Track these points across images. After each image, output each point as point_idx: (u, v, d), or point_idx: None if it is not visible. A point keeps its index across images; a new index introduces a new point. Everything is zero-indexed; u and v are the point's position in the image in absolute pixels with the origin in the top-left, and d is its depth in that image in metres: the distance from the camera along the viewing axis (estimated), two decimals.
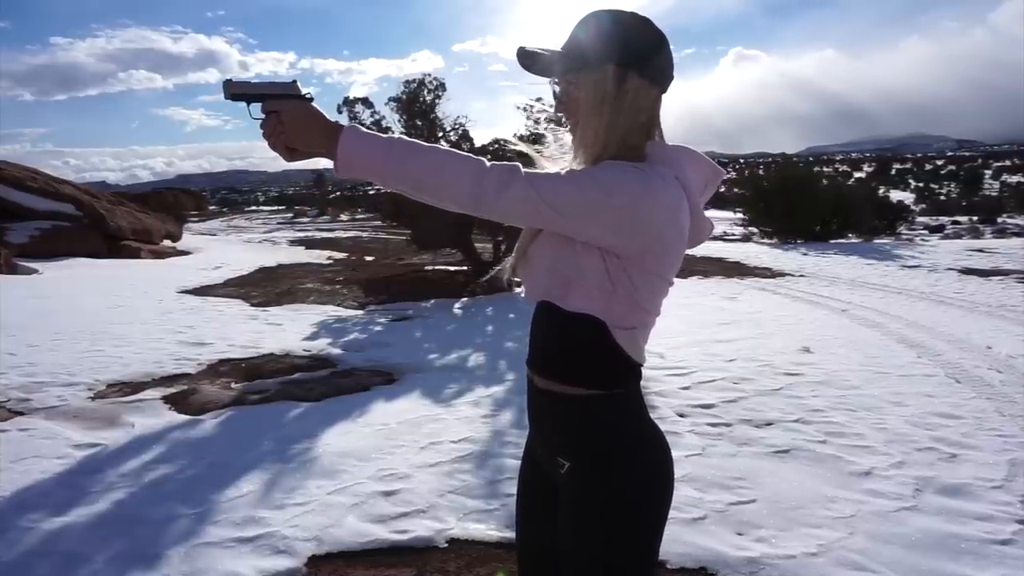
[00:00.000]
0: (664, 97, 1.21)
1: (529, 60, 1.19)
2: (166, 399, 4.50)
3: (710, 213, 1.27)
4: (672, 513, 1.28)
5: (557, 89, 1.23)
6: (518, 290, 8.99)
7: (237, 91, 1.19)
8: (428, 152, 1.11)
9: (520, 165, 1.13)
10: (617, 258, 1.12)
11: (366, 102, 9.86)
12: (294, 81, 1.19)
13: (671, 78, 1.20)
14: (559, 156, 1.30)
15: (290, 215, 36.57)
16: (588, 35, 1.16)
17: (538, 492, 1.37)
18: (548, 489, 1.32)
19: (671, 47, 1.19)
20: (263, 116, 1.17)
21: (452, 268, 11.17)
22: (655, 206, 1.09)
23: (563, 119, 1.26)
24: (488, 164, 1.11)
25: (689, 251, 1.25)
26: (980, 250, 13.36)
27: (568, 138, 1.28)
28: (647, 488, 1.20)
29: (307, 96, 1.18)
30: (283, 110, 1.15)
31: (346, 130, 1.12)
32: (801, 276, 10.39)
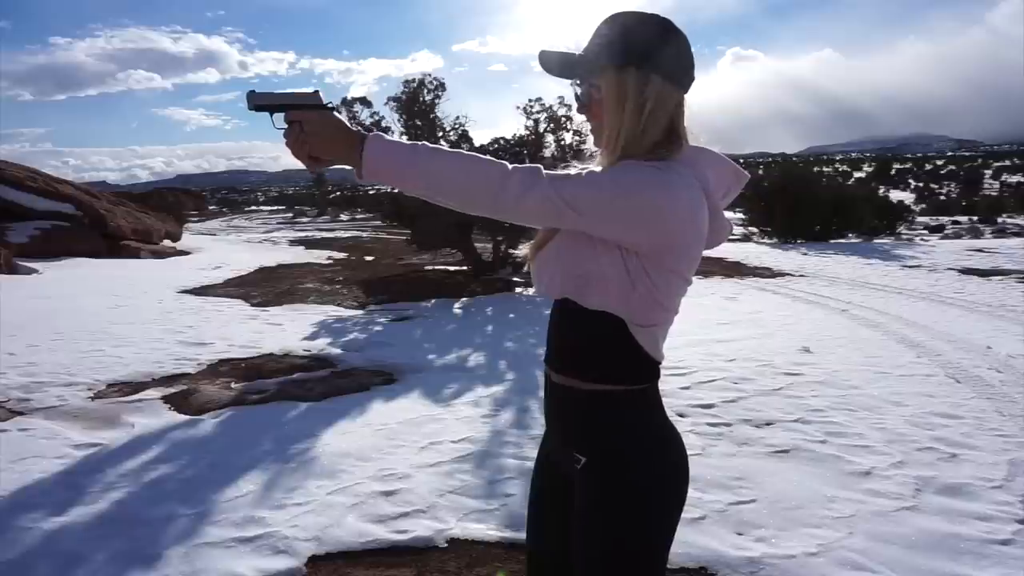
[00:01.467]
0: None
1: (550, 62, 1.21)
2: (166, 399, 4.50)
3: None
4: None
5: (579, 91, 1.25)
6: (519, 289, 8.99)
7: (261, 102, 1.21)
8: (451, 157, 1.13)
9: (542, 167, 1.14)
10: (636, 256, 1.14)
11: (365, 102, 9.85)
12: (316, 91, 1.21)
13: (692, 78, 1.21)
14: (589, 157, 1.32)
15: (290, 215, 36.56)
16: (609, 37, 1.17)
17: (551, 493, 1.37)
18: (561, 489, 1.33)
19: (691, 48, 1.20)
20: (286, 126, 1.19)
21: (452, 268, 11.18)
22: (675, 205, 1.10)
23: (585, 120, 1.27)
24: (510, 167, 1.12)
25: (706, 252, 1.26)
26: (980, 250, 13.35)
27: (590, 139, 1.29)
28: (661, 485, 1.21)
29: (329, 105, 1.20)
30: (305, 120, 1.17)
31: (371, 139, 1.14)
32: (801, 276, 10.39)
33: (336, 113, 1.19)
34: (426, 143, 1.16)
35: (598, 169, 1.18)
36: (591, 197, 1.10)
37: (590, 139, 1.29)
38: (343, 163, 1.18)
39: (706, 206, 1.16)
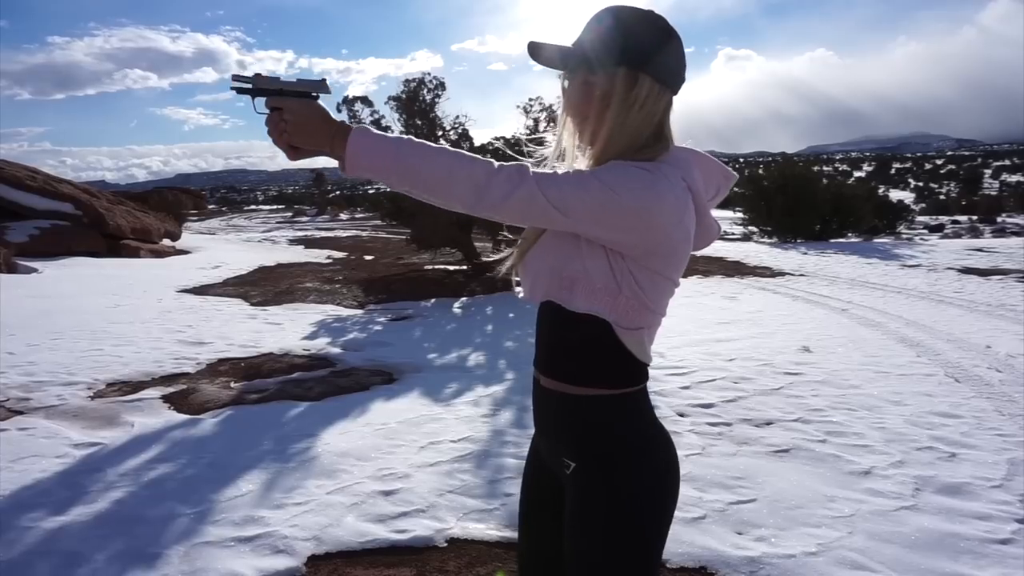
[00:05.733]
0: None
1: (539, 53, 1.19)
2: (165, 398, 4.50)
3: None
4: None
5: (565, 84, 1.22)
6: (518, 289, 8.99)
7: (237, 84, 1.16)
8: (436, 153, 1.11)
9: (528, 166, 1.12)
10: (622, 258, 1.12)
11: (365, 101, 9.85)
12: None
13: (683, 79, 1.19)
14: (559, 154, 1.30)
15: (289, 214, 36.56)
16: (599, 33, 1.15)
17: (542, 493, 1.36)
18: (552, 490, 1.32)
19: (684, 47, 1.18)
20: (267, 112, 1.15)
21: (452, 268, 11.17)
22: (661, 207, 1.08)
23: (569, 116, 1.24)
24: (496, 165, 1.10)
25: (695, 252, 1.24)
26: (979, 249, 13.36)
27: (567, 136, 1.27)
28: (652, 489, 1.20)
29: (313, 95, 1.15)
30: (287, 108, 1.13)
31: (355, 132, 1.11)
32: (801, 275, 10.39)
33: (320, 103, 1.15)
34: (412, 138, 1.13)
35: (586, 168, 1.16)
36: (577, 197, 1.08)
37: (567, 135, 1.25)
38: (324, 154, 1.14)
39: (693, 207, 1.14)
